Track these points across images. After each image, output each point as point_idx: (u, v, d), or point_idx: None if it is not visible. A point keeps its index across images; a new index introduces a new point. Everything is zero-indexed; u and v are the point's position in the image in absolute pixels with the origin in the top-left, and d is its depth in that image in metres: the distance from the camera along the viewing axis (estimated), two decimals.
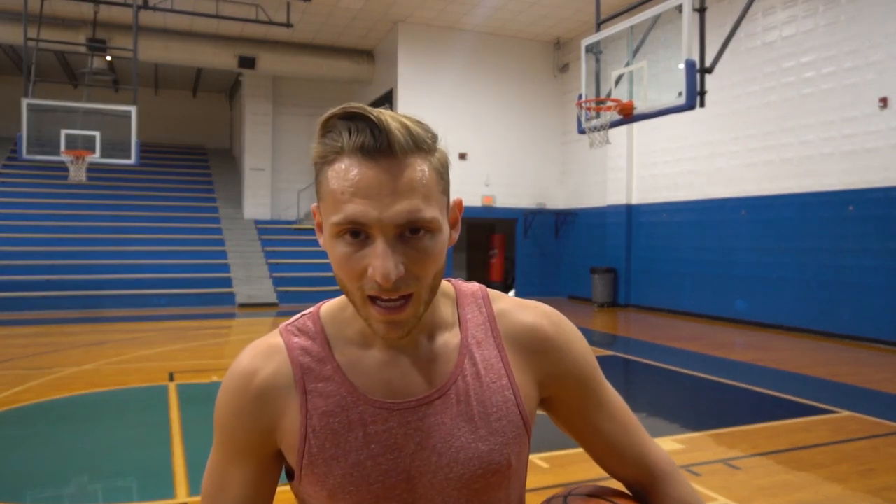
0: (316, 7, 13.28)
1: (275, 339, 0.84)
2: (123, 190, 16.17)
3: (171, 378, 6.46)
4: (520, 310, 0.88)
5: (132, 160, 10.84)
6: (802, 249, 9.69)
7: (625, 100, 6.86)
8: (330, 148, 0.72)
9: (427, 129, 0.75)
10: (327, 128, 0.73)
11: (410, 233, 0.71)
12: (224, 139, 21.56)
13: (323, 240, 0.77)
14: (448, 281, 0.89)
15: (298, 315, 0.87)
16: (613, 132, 7.83)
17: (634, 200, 13.33)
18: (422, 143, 0.73)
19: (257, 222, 16.85)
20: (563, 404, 0.88)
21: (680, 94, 6.16)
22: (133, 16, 11.11)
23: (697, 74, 6.13)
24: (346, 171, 0.70)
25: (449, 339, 0.84)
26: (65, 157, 10.79)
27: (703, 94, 6.18)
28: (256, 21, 12.44)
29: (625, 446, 0.90)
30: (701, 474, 3.82)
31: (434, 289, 0.76)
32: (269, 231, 16.43)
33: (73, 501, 3.55)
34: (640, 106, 6.73)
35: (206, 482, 0.85)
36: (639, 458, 0.91)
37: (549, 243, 15.57)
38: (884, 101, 8.55)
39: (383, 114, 0.71)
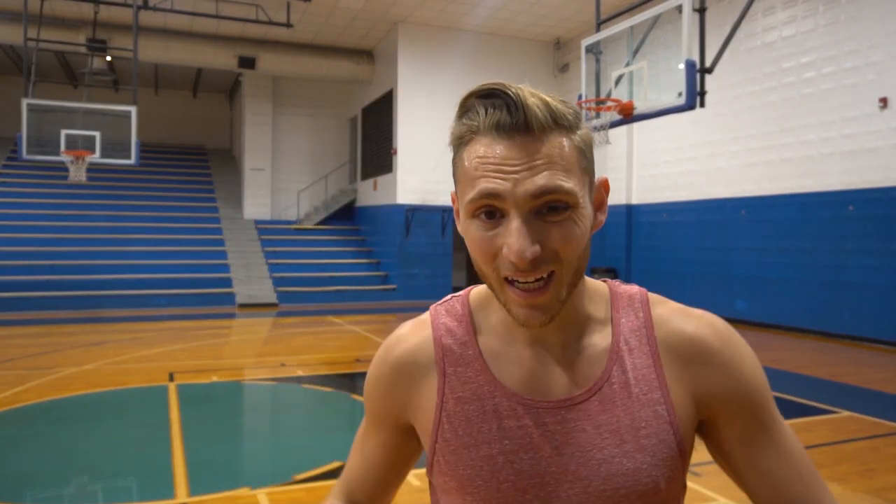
0: (316, 7, 13.28)
1: (426, 318, 0.83)
2: (123, 190, 16.18)
3: (171, 378, 6.46)
4: (682, 317, 0.78)
5: (132, 160, 10.84)
6: (802, 249, 9.69)
7: (625, 100, 6.86)
8: (466, 128, 0.70)
9: (569, 106, 0.70)
10: (465, 108, 0.71)
11: (548, 211, 0.67)
12: (224, 139, 21.56)
13: (461, 224, 0.73)
14: (604, 281, 0.83)
15: (450, 296, 0.85)
16: (613, 132, 7.83)
17: (634, 200, 13.34)
18: (562, 120, 0.68)
19: (257, 222, 16.86)
20: (724, 431, 0.76)
21: (680, 94, 6.16)
22: (133, 16, 11.11)
23: (697, 74, 6.13)
24: (482, 149, 0.68)
25: (598, 340, 0.77)
26: (65, 158, 10.79)
27: (703, 94, 6.18)
28: (256, 21, 12.45)
29: (793, 496, 0.74)
30: (701, 474, 3.82)
31: (579, 272, 0.70)
32: (269, 231, 16.43)
33: (73, 501, 3.55)
34: (640, 106, 6.73)
35: (355, 438, 0.89)
36: None
37: None
38: (884, 101, 8.56)
39: (522, 89, 0.67)
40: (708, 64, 6.21)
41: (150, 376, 6.55)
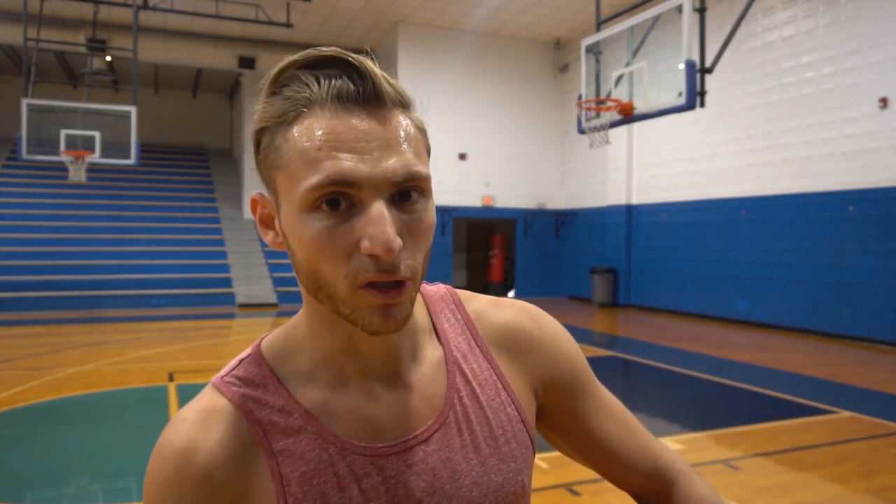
0: (316, 7, 13.28)
1: (213, 399, 0.67)
2: (123, 190, 16.17)
3: (171, 378, 6.46)
4: (496, 308, 0.75)
5: (132, 160, 10.84)
6: (803, 250, 9.69)
7: (625, 100, 6.87)
8: (291, 102, 0.57)
9: (403, 88, 0.62)
10: (282, 81, 0.60)
11: (400, 199, 0.57)
12: (224, 139, 21.56)
13: (273, 233, 0.62)
14: None
15: (232, 364, 0.70)
16: (613, 132, 7.83)
17: (634, 201, 13.34)
18: (405, 98, 0.60)
19: None
20: (558, 411, 0.75)
21: (680, 94, 6.16)
22: (133, 16, 11.11)
23: (697, 74, 6.13)
24: (324, 124, 0.56)
25: (431, 353, 0.69)
26: (65, 158, 10.79)
27: (703, 94, 6.18)
28: (256, 21, 12.45)
29: (632, 451, 0.78)
30: (701, 475, 3.81)
31: (424, 272, 0.60)
32: None
33: (73, 501, 3.55)
34: (640, 106, 6.73)
35: None
36: (649, 463, 0.79)
37: (549, 243, 15.57)
38: (884, 102, 8.56)
39: (362, 59, 0.58)
40: (708, 64, 6.21)
41: (150, 376, 6.55)
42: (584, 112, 7.33)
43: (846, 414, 5.21)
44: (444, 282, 0.79)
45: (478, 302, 0.75)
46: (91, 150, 10.92)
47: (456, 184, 14.56)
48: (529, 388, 0.73)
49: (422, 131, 0.61)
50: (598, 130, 7.11)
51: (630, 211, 13.35)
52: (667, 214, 12.47)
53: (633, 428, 0.79)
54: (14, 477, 3.80)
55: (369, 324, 0.57)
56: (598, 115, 7.14)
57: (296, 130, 0.57)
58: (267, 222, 0.63)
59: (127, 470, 3.99)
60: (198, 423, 0.64)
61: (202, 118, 21.29)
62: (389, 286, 0.56)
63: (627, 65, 7.00)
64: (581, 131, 7.47)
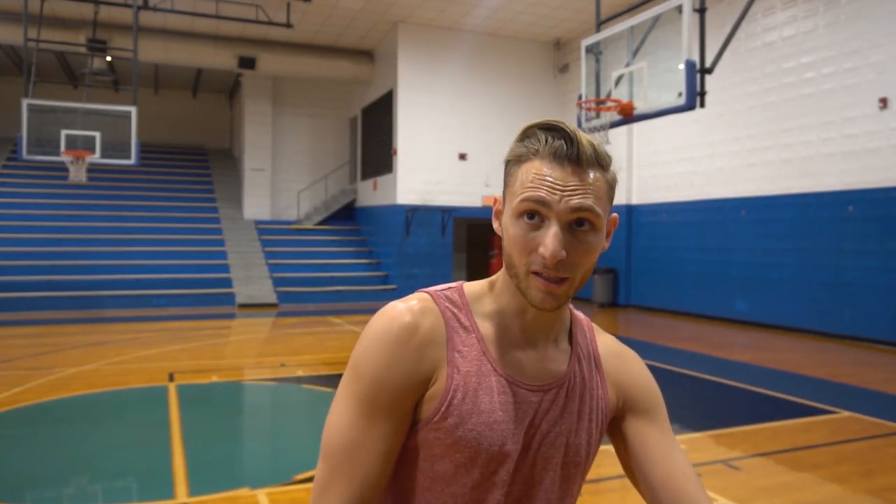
0: (316, 7, 13.28)
1: (428, 302, 0.92)
2: (123, 190, 16.18)
3: (171, 378, 6.46)
4: (611, 340, 1.04)
5: (132, 160, 10.84)
6: (802, 250, 9.69)
7: (625, 100, 6.86)
8: (527, 150, 0.85)
9: (607, 153, 0.87)
10: (526, 134, 0.86)
11: (577, 226, 0.83)
12: (224, 139, 21.56)
13: (498, 223, 0.90)
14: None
15: (443, 286, 0.97)
16: (613, 132, 7.84)
17: (634, 201, 13.34)
18: (602, 160, 0.85)
19: (257, 222, 16.86)
20: (627, 423, 0.97)
21: (680, 94, 6.16)
22: (133, 16, 11.11)
23: (697, 75, 6.13)
24: (539, 167, 0.83)
25: (564, 346, 0.97)
26: (65, 158, 10.79)
27: (703, 94, 6.18)
28: (256, 21, 12.45)
29: (676, 486, 0.91)
30: (701, 474, 3.82)
31: (583, 281, 0.86)
32: (269, 231, 16.43)
33: (73, 501, 3.55)
34: (640, 106, 6.73)
35: (335, 440, 0.88)
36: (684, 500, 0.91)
37: None
38: (884, 102, 8.56)
39: (577, 130, 0.84)
40: (708, 64, 6.22)
41: (150, 376, 6.55)
42: (584, 112, 7.33)
43: (846, 414, 5.21)
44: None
45: (604, 336, 1.04)
46: (91, 150, 10.92)
47: (456, 184, 14.56)
48: (616, 395, 0.99)
49: (609, 185, 0.87)
50: (598, 130, 7.11)
51: (630, 211, 13.35)
52: (667, 214, 12.47)
53: (687, 475, 0.93)
54: (14, 477, 3.80)
55: (534, 299, 0.84)
56: (598, 116, 7.14)
57: (524, 167, 0.85)
58: (497, 215, 0.91)
59: (127, 470, 3.99)
60: (420, 311, 0.90)
61: (202, 118, 21.29)
62: (552, 280, 0.83)
63: (627, 65, 7.00)
64: None
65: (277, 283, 14.21)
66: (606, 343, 1.03)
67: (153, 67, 17.71)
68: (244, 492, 3.54)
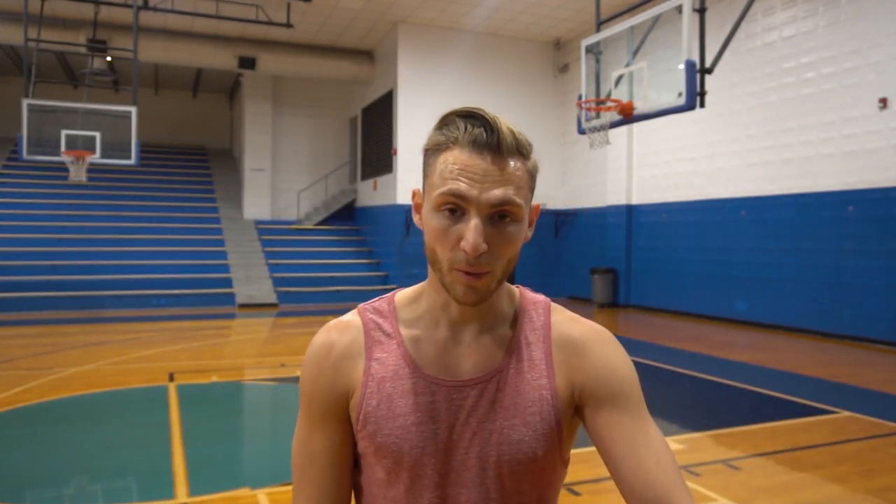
0: (316, 7, 13.28)
1: (352, 317, 0.96)
2: (123, 190, 16.18)
3: (171, 378, 6.46)
4: (572, 322, 0.95)
5: (132, 160, 10.84)
6: (802, 250, 9.69)
7: (625, 100, 6.86)
8: (446, 138, 0.84)
9: (528, 141, 0.86)
10: (446, 122, 0.85)
11: (499, 218, 0.82)
12: (224, 139, 21.56)
13: (419, 217, 0.89)
14: (517, 287, 0.99)
15: (377, 298, 0.99)
16: (613, 132, 7.83)
17: (634, 201, 13.34)
18: (522, 148, 0.85)
19: (257, 222, 16.86)
20: (596, 417, 0.87)
21: (680, 94, 6.16)
22: (133, 16, 11.11)
23: (697, 75, 6.13)
24: (458, 157, 0.82)
25: (503, 333, 0.93)
26: (65, 158, 10.79)
27: (703, 94, 6.18)
28: (256, 21, 12.44)
29: (654, 477, 0.82)
30: (701, 474, 3.82)
31: (506, 272, 0.85)
32: (269, 231, 16.43)
33: (73, 501, 3.55)
34: (640, 106, 6.73)
35: (295, 456, 0.95)
36: (664, 491, 0.81)
37: (549, 243, 15.57)
38: (884, 102, 8.55)
39: (497, 118, 0.83)
40: (708, 64, 6.21)
41: (150, 376, 6.55)
42: (584, 112, 7.33)
43: (846, 414, 5.21)
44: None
45: (562, 314, 0.97)
46: (91, 150, 10.92)
47: None
48: (570, 386, 0.91)
49: (531, 174, 0.86)
50: (598, 130, 7.11)
51: (630, 211, 13.35)
52: (667, 214, 12.47)
53: (662, 465, 0.83)
54: (14, 477, 3.80)
55: (456, 294, 0.84)
56: (598, 116, 7.14)
57: (442, 157, 0.84)
58: (417, 209, 0.90)
59: (127, 470, 3.99)
60: (339, 328, 0.95)
61: (202, 118, 21.29)
62: (472, 274, 0.82)
63: (627, 65, 7.00)
64: (581, 131, 7.46)
65: (277, 283, 14.21)
66: (563, 326, 0.94)
67: (153, 67, 17.71)
68: (244, 492, 3.54)
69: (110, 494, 3.65)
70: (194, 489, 3.58)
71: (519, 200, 0.82)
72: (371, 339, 0.93)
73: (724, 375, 6.76)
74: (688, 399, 6.15)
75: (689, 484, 3.66)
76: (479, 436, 0.87)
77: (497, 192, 0.80)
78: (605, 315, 12.37)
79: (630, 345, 9.50)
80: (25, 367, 7.04)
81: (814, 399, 5.70)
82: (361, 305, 0.98)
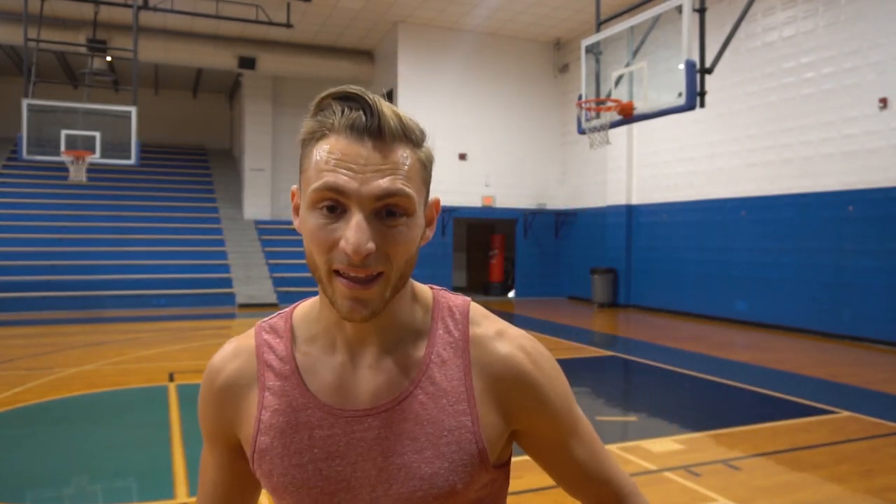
0: (316, 7, 13.28)
1: (246, 339, 0.86)
2: (123, 190, 16.17)
3: (171, 378, 6.46)
4: (497, 339, 0.82)
5: (132, 160, 10.84)
6: (802, 250, 9.69)
7: (625, 100, 6.86)
8: (320, 124, 0.72)
9: (418, 126, 0.75)
10: (321, 107, 0.73)
11: (387, 215, 0.71)
12: (224, 139, 21.56)
13: (297, 218, 0.77)
14: (431, 288, 0.87)
15: (276, 313, 0.88)
16: (613, 132, 7.83)
17: (634, 201, 13.33)
18: (410, 134, 0.73)
19: (257, 222, 16.85)
20: (536, 438, 0.84)
21: (680, 94, 6.16)
22: (133, 16, 11.11)
23: (697, 75, 6.13)
24: (335, 145, 0.71)
25: (412, 350, 0.80)
26: (65, 158, 10.79)
27: (703, 94, 6.18)
28: (256, 21, 12.44)
29: (594, 471, 0.87)
30: (701, 474, 3.82)
31: (405, 276, 0.74)
32: (269, 231, 16.43)
33: (73, 501, 3.55)
34: (640, 106, 6.73)
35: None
36: (606, 481, 0.87)
37: (549, 243, 15.56)
38: (884, 102, 8.55)
39: (379, 99, 0.72)
40: (708, 64, 6.21)
41: (150, 376, 6.55)
42: (584, 112, 7.33)
43: (846, 414, 5.21)
44: (443, 282, 0.84)
45: (483, 326, 0.83)
46: (91, 150, 10.92)
47: (456, 184, 14.56)
48: (502, 413, 0.80)
49: (423, 164, 0.75)
50: (598, 130, 7.11)
51: (630, 211, 13.35)
52: (667, 214, 12.47)
53: (599, 451, 0.88)
54: (14, 477, 3.80)
55: (341, 309, 0.72)
56: (598, 116, 7.14)
57: (316, 147, 0.72)
58: (296, 210, 0.78)
59: (127, 470, 3.99)
60: (229, 354, 0.85)
61: (202, 118, 21.29)
62: (359, 280, 0.70)
63: (627, 65, 7.00)
64: (581, 131, 7.47)
65: (277, 283, 14.21)
66: (486, 344, 0.81)
67: (153, 67, 17.71)
68: None
69: (110, 494, 3.65)
70: (194, 489, 3.58)
71: (409, 191, 0.71)
72: (263, 365, 0.82)
73: (724, 375, 6.76)
74: (688, 399, 6.15)
75: (689, 484, 3.66)
76: (387, 471, 0.76)
77: (381, 183, 0.69)
78: (605, 315, 12.37)
79: (630, 345, 9.53)
80: (25, 367, 7.04)
81: (814, 399, 5.70)
82: (259, 323, 0.87)
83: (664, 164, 12.51)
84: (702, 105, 6.23)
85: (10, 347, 8.45)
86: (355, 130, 0.70)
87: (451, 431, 0.77)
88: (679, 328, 10.60)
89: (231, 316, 12.18)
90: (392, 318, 0.79)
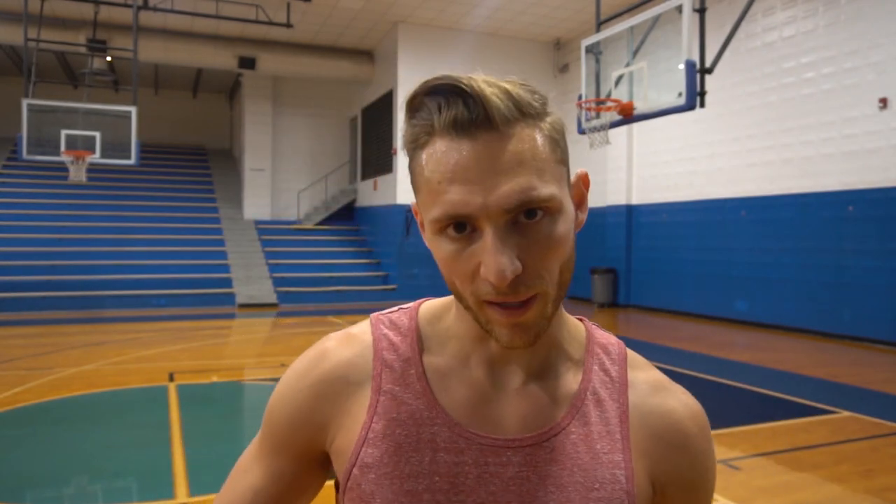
0: (316, 7, 13.28)
1: (362, 327, 0.72)
2: (123, 190, 16.18)
3: (171, 378, 6.46)
4: (662, 390, 0.71)
5: (132, 160, 10.84)
6: (802, 250, 9.69)
7: (625, 100, 6.86)
8: (420, 129, 0.60)
9: (533, 91, 0.61)
10: (415, 108, 0.61)
11: (525, 217, 0.58)
12: (224, 139, 21.56)
13: (427, 239, 0.63)
14: (581, 320, 0.76)
15: (394, 308, 0.75)
16: (613, 132, 7.83)
17: (634, 201, 13.34)
18: (527, 108, 0.59)
19: (257, 222, 16.86)
20: None
21: (680, 94, 6.16)
22: (133, 16, 11.11)
23: (697, 75, 6.13)
24: (441, 154, 0.58)
25: (566, 381, 0.68)
26: (65, 158, 10.79)
27: (703, 94, 6.18)
28: (256, 21, 12.44)
29: None
30: None
31: (563, 285, 0.62)
32: (269, 231, 16.43)
33: (73, 501, 3.55)
34: (640, 106, 6.73)
35: (241, 457, 0.75)
36: None
37: None
38: (884, 102, 8.55)
39: (475, 79, 0.58)
40: (708, 64, 6.21)
41: (150, 376, 6.55)
42: (584, 112, 7.33)
43: (846, 414, 5.21)
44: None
45: (645, 372, 0.73)
46: (91, 150, 10.92)
47: None
48: (650, 475, 0.68)
49: (553, 140, 0.61)
50: (598, 130, 7.11)
51: (630, 211, 13.35)
52: (667, 214, 12.47)
53: None
54: (14, 477, 3.80)
55: (500, 337, 0.60)
56: (598, 116, 7.14)
57: (423, 158, 0.60)
58: (422, 227, 0.64)
59: (127, 470, 3.99)
60: (343, 340, 0.71)
61: (202, 118, 21.29)
62: (514, 307, 0.58)
63: (627, 65, 7.00)
64: (581, 131, 7.47)
65: (277, 283, 14.21)
66: (649, 393, 0.70)
67: (153, 67, 17.71)
68: None
69: (110, 494, 3.65)
70: (194, 489, 3.58)
71: (545, 190, 0.57)
72: (382, 363, 0.68)
73: (724, 375, 6.76)
74: None
75: None
76: None
77: (508, 189, 0.56)
78: (605, 315, 12.37)
79: (630, 345, 9.41)
80: (25, 367, 7.04)
81: (814, 399, 5.70)
82: (374, 315, 0.74)
83: (664, 163, 12.51)
84: (702, 105, 6.23)
85: (10, 347, 8.45)
86: (460, 128, 0.57)
87: (604, 485, 0.64)
88: (679, 328, 10.60)
89: (231, 316, 12.18)
90: (547, 341, 0.67)
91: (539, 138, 0.59)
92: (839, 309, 9.14)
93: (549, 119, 0.62)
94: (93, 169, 12.08)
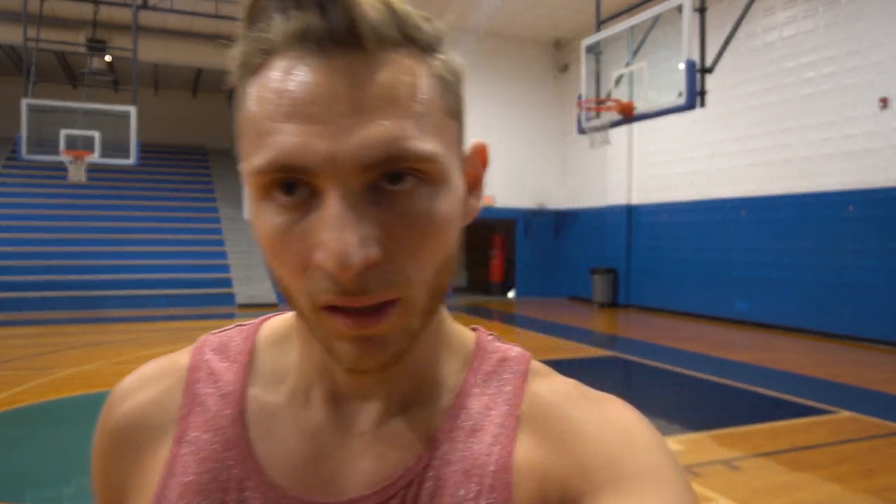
0: None
1: (182, 355, 0.57)
2: (123, 190, 16.18)
3: None
4: (580, 401, 0.48)
5: (132, 160, 10.84)
6: (802, 250, 9.69)
7: (625, 100, 6.87)
8: (255, 45, 0.42)
9: (424, 16, 0.44)
10: (254, 14, 0.43)
11: (390, 183, 0.40)
12: (224, 139, 21.56)
13: (249, 210, 0.45)
14: (475, 329, 0.55)
15: (237, 324, 0.57)
16: (613, 132, 7.84)
17: (634, 200, 13.34)
18: (414, 31, 0.42)
19: None
20: None
21: (680, 94, 6.16)
22: (133, 16, 11.10)
23: (697, 74, 6.13)
24: (277, 79, 0.40)
25: (429, 414, 0.49)
26: (64, 158, 10.79)
27: (703, 94, 6.18)
28: None
29: None
30: (701, 474, 3.82)
31: (437, 292, 0.43)
32: None
33: (73, 501, 3.55)
34: (640, 106, 6.74)
35: None
36: None
37: (549, 243, 15.56)
38: (884, 102, 8.55)
39: None
40: (708, 64, 6.22)
41: None
42: (584, 112, 7.33)
43: (846, 414, 5.21)
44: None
45: (549, 382, 0.50)
46: (91, 150, 10.92)
47: None
48: (561, 485, 0.46)
49: (443, 81, 0.43)
50: (599, 130, 7.11)
51: (630, 211, 13.35)
52: (667, 214, 12.47)
53: None
54: (14, 477, 3.80)
55: (341, 356, 0.42)
56: (598, 116, 7.14)
57: (254, 86, 0.42)
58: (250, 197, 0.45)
59: None
60: (145, 373, 0.57)
61: (202, 118, 21.29)
62: (363, 311, 0.40)
63: (627, 65, 7.01)
64: (581, 131, 7.47)
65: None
66: (548, 396, 0.49)
67: (153, 67, 17.71)
68: None
69: None
70: None
71: (423, 144, 0.39)
72: (193, 401, 0.51)
73: (724, 375, 6.76)
74: (688, 399, 6.14)
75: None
76: None
77: (370, 133, 0.38)
78: (605, 315, 12.37)
79: (630, 345, 9.53)
80: (25, 367, 7.04)
81: (814, 399, 5.70)
82: (207, 335, 0.57)
83: (664, 163, 12.51)
84: (702, 105, 6.24)
85: (10, 347, 8.45)
86: (311, 41, 0.39)
87: None
88: (679, 328, 10.60)
89: (231, 316, 12.18)
90: (410, 362, 0.48)
91: (424, 74, 0.41)
92: (839, 309, 9.14)
93: (443, 56, 0.45)
94: (92, 169, 12.08)
